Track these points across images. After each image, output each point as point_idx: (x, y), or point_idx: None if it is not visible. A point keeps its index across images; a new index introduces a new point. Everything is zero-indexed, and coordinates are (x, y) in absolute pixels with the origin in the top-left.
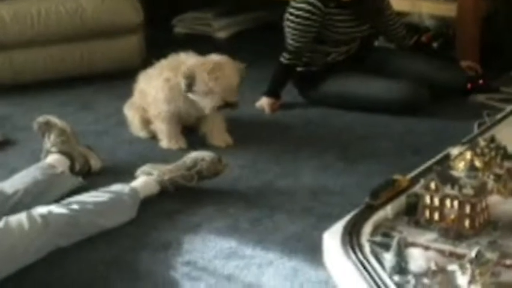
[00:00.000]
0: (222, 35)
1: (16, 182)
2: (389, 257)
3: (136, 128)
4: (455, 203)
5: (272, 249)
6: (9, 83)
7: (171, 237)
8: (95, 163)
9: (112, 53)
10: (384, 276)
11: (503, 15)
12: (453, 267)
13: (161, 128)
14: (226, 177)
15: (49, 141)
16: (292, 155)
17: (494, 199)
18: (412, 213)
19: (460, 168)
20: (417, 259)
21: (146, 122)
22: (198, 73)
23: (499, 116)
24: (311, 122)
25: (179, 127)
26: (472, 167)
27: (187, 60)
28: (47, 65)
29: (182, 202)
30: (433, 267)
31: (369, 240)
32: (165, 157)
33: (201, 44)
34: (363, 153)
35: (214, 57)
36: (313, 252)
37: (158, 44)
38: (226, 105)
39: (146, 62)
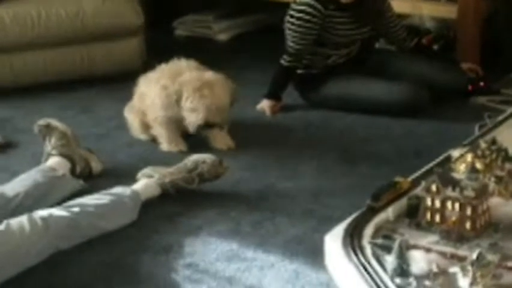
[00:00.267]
0: (222, 37)
1: (17, 185)
2: (390, 259)
3: (136, 131)
4: (456, 205)
5: (273, 252)
6: (10, 86)
7: (172, 240)
8: (96, 166)
9: (112, 56)
10: (386, 279)
11: (503, 16)
12: (454, 269)
13: (160, 132)
14: (227, 180)
15: (50, 144)
16: (293, 158)
17: (495, 201)
18: (413, 215)
19: (461, 170)
20: (419, 261)
21: (146, 126)
22: (185, 89)
23: (500, 118)
24: (312, 124)
25: (179, 131)
26: (473, 169)
27: (185, 70)
28: (47, 68)
29: (183, 205)
30: (435, 269)
31: (370, 243)
32: (166, 160)
33: (202, 47)
34: (364, 156)
35: (208, 75)
36: (314, 255)
37: (159, 46)
38: (208, 125)
39: (147, 64)
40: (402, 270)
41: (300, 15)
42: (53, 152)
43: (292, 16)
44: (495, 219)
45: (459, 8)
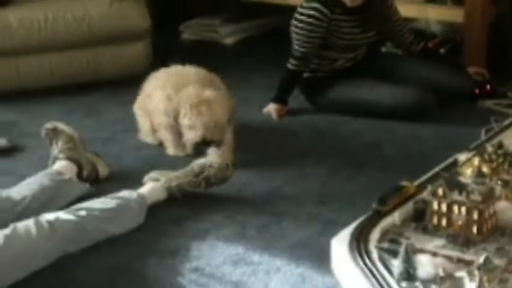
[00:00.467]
0: (228, 41)
1: (24, 189)
2: (396, 264)
3: (146, 133)
4: (463, 209)
5: (279, 256)
6: (16, 89)
7: (179, 244)
8: (103, 169)
9: (119, 59)
10: (392, 283)
11: (510, 19)
12: (461, 273)
13: (166, 136)
14: (234, 184)
15: (57, 147)
16: (299, 161)
17: (501, 205)
18: (420, 219)
19: (467, 174)
20: (425, 265)
21: (153, 128)
22: (183, 106)
23: (506, 122)
24: (318, 128)
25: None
26: (479, 173)
27: (191, 81)
28: (53, 71)
29: (190, 209)
30: (441, 273)
31: (377, 247)
32: (173, 163)
33: (208, 50)
34: (371, 160)
35: (208, 92)
36: (320, 259)
37: (166, 50)
38: (206, 142)
39: (153, 68)
40: (409, 275)
41: (306, 18)
42: (60, 155)
43: (298, 20)
44: (502, 224)
45: (466, 12)
